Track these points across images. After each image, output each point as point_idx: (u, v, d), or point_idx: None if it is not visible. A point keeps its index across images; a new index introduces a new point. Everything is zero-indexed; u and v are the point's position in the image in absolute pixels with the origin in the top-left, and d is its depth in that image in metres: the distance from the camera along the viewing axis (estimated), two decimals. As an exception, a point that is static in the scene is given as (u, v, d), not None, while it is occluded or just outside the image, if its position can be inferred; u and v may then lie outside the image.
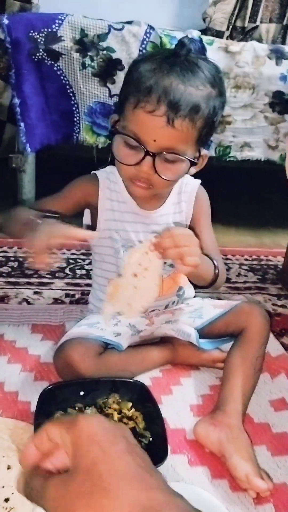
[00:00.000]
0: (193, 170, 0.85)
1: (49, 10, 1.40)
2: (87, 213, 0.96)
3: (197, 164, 0.84)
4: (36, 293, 1.25)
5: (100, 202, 0.91)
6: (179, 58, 0.77)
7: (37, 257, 0.75)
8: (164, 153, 0.76)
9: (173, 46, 1.37)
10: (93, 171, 0.95)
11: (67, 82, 1.43)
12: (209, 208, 0.97)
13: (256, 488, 0.69)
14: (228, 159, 1.64)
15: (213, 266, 0.86)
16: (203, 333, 0.96)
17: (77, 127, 1.50)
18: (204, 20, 1.76)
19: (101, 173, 0.93)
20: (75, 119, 1.49)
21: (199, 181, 0.95)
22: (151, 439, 0.76)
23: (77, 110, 1.47)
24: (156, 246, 0.71)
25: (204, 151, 0.84)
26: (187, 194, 0.94)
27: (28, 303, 1.20)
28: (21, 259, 1.43)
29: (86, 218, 0.96)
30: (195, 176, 0.92)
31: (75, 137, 1.51)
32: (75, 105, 1.47)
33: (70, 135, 1.51)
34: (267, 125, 1.61)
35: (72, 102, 1.46)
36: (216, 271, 0.86)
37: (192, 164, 0.81)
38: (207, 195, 0.97)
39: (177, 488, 0.69)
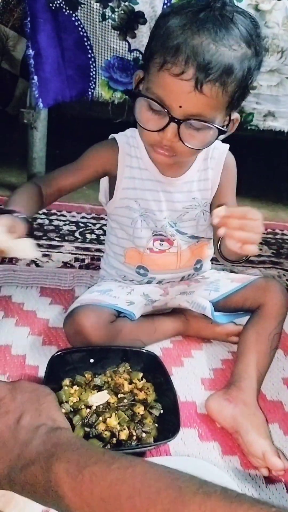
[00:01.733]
0: (222, 136, 0.79)
1: None
2: (103, 183, 0.90)
3: (227, 131, 0.77)
4: (45, 255, 1.21)
5: (119, 169, 0.86)
6: (213, 12, 0.67)
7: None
8: (191, 120, 0.70)
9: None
10: (112, 135, 0.89)
11: (85, 34, 1.35)
12: (235, 177, 0.92)
13: (272, 466, 0.67)
14: (249, 127, 1.56)
15: None
16: (218, 306, 0.93)
17: (92, 82, 1.43)
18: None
19: (120, 138, 0.87)
20: (91, 74, 1.41)
21: (228, 146, 0.89)
22: (162, 411, 0.73)
23: (94, 64, 1.40)
24: (222, 220, 0.65)
25: (235, 115, 0.77)
26: (214, 161, 0.88)
27: (37, 265, 1.17)
28: (29, 220, 1.39)
29: (103, 190, 0.91)
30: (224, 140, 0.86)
31: (90, 92, 1.44)
32: (92, 59, 1.39)
33: (85, 90, 1.44)
34: None
35: (89, 56, 1.38)
36: None
37: (221, 132, 0.74)
38: (235, 160, 0.91)
39: (187, 463, 0.68)
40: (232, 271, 1.24)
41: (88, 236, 1.35)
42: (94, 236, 1.35)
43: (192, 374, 0.88)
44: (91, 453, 0.45)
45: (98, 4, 1.30)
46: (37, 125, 1.46)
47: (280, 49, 1.45)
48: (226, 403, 0.76)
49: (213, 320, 0.92)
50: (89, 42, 1.37)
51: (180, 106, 0.69)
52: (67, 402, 0.72)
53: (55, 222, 1.40)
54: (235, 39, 0.67)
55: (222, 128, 0.73)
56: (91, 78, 1.43)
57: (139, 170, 0.86)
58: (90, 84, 1.44)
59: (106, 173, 0.88)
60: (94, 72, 1.42)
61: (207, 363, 0.91)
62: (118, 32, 1.35)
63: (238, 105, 0.75)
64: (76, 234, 1.35)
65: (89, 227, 1.40)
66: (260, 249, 1.43)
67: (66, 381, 0.76)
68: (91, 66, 1.41)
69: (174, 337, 0.96)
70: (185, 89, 0.67)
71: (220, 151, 0.88)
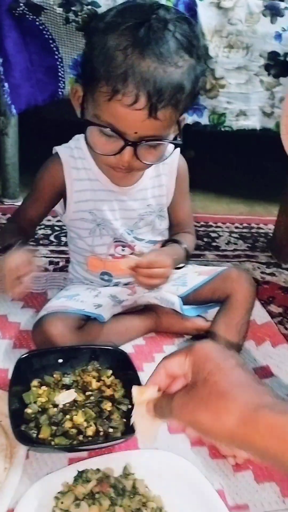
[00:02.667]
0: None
1: None
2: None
3: (181, 143, 0.77)
4: (19, 260, 1.21)
5: (67, 185, 0.84)
6: (151, 28, 0.64)
7: (8, 287, 0.72)
8: (146, 141, 0.69)
9: (162, 1, 1.32)
10: (55, 149, 0.86)
11: (50, 37, 1.36)
12: (188, 177, 0.93)
13: (239, 454, 0.68)
14: (222, 129, 1.56)
15: (184, 252, 0.89)
16: (187, 300, 0.93)
17: (62, 81, 1.44)
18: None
19: (63, 152, 0.85)
20: (59, 74, 1.43)
21: (178, 149, 0.89)
22: (129, 406, 0.74)
23: (61, 64, 1.41)
24: (132, 270, 0.75)
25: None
26: (167, 166, 0.88)
27: (10, 270, 1.17)
28: (3, 226, 1.39)
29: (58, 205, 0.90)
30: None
31: (60, 92, 1.45)
32: (59, 59, 1.40)
33: (56, 91, 1.45)
34: (262, 90, 1.53)
35: (56, 57, 1.40)
36: (186, 253, 0.90)
37: (176, 145, 0.74)
38: (186, 162, 0.92)
39: (154, 455, 0.68)
40: (206, 266, 1.25)
41: (63, 239, 1.36)
42: (69, 239, 1.36)
43: (163, 369, 0.88)
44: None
45: (61, 8, 1.31)
46: (8, 131, 1.46)
47: (245, 46, 1.46)
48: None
49: (183, 314, 0.92)
50: (55, 44, 1.38)
51: (135, 132, 0.68)
52: (35, 402, 0.73)
53: (30, 227, 1.40)
54: (178, 52, 0.66)
55: (176, 142, 0.74)
56: (60, 78, 1.44)
57: (89, 182, 0.85)
58: (60, 84, 1.45)
59: (62, 191, 0.86)
60: (62, 72, 1.43)
61: (178, 358, 0.91)
62: (83, 33, 1.36)
63: (188, 110, 0.75)
64: (51, 238, 1.36)
65: (64, 230, 1.40)
66: (235, 244, 1.44)
67: (35, 382, 0.76)
68: (59, 66, 1.42)
69: (146, 334, 0.97)
70: (138, 118, 0.66)
71: (172, 157, 0.87)
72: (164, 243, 0.93)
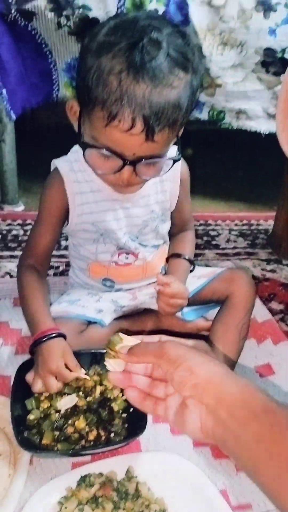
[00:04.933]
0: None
1: None
2: None
3: (180, 159, 0.77)
4: (19, 266, 1.22)
5: (70, 199, 0.83)
6: (144, 50, 0.62)
7: (45, 382, 0.73)
8: (144, 160, 0.69)
9: (152, 3, 1.32)
10: (54, 162, 0.85)
11: (42, 41, 1.36)
12: (189, 180, 0.93)
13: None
14: (222, 126, 1.55)
15: (189, 265, 0.94)
16: (188, 302, 0.94)
17: (56, 84, 1.45)
18: None
19: (63, 166, 0.83)
20: (53, 77, 1.44)
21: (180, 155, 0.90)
22: (131, 410, 0.74)
23: (55, 68, 1.42)
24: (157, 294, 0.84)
25: None
26: (170, 172, 0.88)
27: (11, 276, 1.18)
28: (4, 232, 1.40)
29: None
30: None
31: (54, 95, 1.46)
32: (53, 63, 1.41)
33: (50, 94, 1.46)
34: (263, 88, 1.51)
35: (49, 61, 1.40)
36: (192, 267, 0.95)
37: (176, 160, 0.74)
38: (187, 166, 0.92)
39: (156, 457, 0.69)
40: (206, 265, 1.25)
41: (63, 243, 1.36)
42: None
43: (165, 371, 0.89)
44: None
45: (52, 13, 1.31)
46: (5, 138, 1.47)
47: (239, 43, 1.46)
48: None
49: (184, 319, 0.93)
50: (48, 48, 1.39)
51: (134, 154, 0.68)
52: (37, 408, 0.73)
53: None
54: (173, 72, 0.65)
55: (175, 158, 0.74)
56: (54, 81, 1.45)
57: (92, 193, 0.84)
58: (54, 87, 1.46)
59: (67, 207, 0.85)
60: (56, 75, 1.44)
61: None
62: (76, 37, 1.36)
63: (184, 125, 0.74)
64: (52, 242, 1.36)
65: (64, 234, 1.40)
66: (235, 241, 1.44)
67: (37, 388, 0.77)
68: (53, 70, 1.43)
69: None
70: (136, 142, 0.66)
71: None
72: (168, 257, 0.96)
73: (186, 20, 1.40)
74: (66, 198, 0.84)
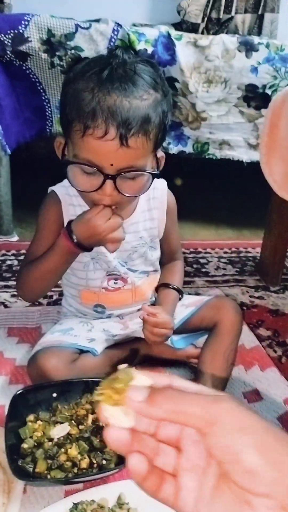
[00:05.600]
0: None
1: (22, 9, 1.40)
2: None
3: (159, 173, 0.82)
4: (13, 295, 1.25)
5: (65, 222, 0.87)
6: (115, 70, 0.71)
7: (112, 236, 0.79)
8: (124, 173, 0.74)
9: (141, 43, 1.40)
10: (50, 188, 0.91)
11: (36, 80, 1.43)
12: (176, 209, 0.98)
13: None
14: (206, 156, 1.63)
15: (177, 295, 0.98)
16: (176, 331, 0.96)
17: (49, 121, 1.51)
18: (179, 12, 1.75)
19: (59, 190, 0.89)
20: (47, 114, 1.50)
21: (165, 183, 0.95)
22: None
23: (48, 105, 1.48)
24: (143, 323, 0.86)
25: (160, 153, 0.82)
26: (157, 200, 0.93)
27: (6, 306, 1.20)
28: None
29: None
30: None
31: (48, 130, 1.51)
32: (46, 100, 1.47)
33: (43, 129, 1.52)
34: (244, 121, 1.59)
35: (43, 98, 1.47)
36: (180, 296, 0.98)
37: (154, 175, 0.79)
38: (174, 196, 0.97)
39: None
40: (196, 293, 1.29)
41: (56, 272, 1.39)
42: (62, 272, 1.39)
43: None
44: None
45: (46, 54, 1.38)
46: (0, 171, 1.52)
47: (223, 80, 1.54)
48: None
49: (174, 347, 0.96)
50: (41, 86, 1.45)
51: (112, 164, 0.73)
52: (31, 437, 0.75)
53: (24, 262, 1.44)
54: (143, 88, 0.72)
55: (154, 172, 0.79)
56: (47, 118, 1.51)
57: None
58: (47, 122, 1.52)
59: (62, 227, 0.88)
60: (49, 112, 1.50)
61: (170, 386, 0.94)
62: (68, 76, 1.43)
63: (161, 144, 0.81)
64: (45, 272, 1.39)
65: (57, 264, 1.44)
66: (224, 269, 1.48)
67: (31, 417, 0.79)
68: (46, 107, 1.49)
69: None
70: (111, 148, 0.71)
71: (161, 191, 0.93)
72: (158, 287, 0.99)
73: (173, 59, 1.48)
74: (62, 219, 0.89)
